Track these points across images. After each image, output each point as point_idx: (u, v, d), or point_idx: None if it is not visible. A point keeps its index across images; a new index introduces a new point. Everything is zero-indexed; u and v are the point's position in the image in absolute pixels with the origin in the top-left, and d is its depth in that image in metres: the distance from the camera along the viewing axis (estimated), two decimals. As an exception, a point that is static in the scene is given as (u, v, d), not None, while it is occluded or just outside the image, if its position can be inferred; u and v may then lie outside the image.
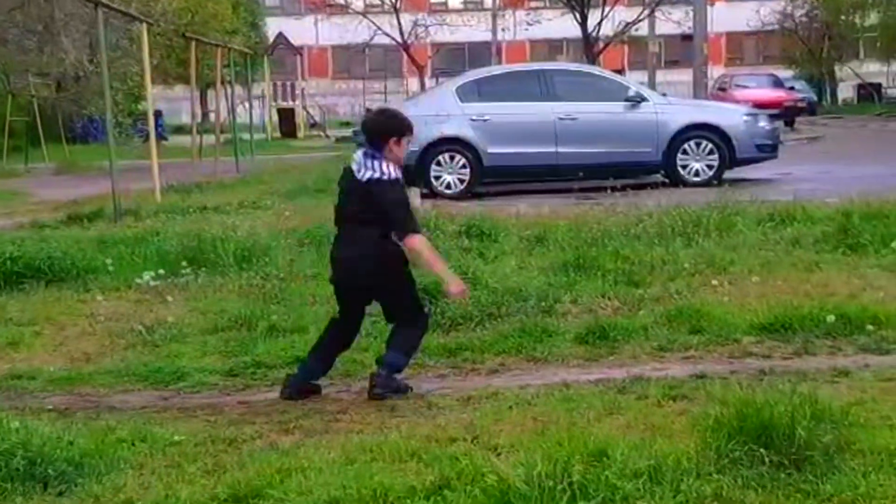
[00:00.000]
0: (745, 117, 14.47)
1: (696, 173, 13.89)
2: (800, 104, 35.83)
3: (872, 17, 46.11)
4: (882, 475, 3.48)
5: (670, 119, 14.03)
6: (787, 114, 31.76)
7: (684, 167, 13.93)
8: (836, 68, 50.50)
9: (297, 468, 3.75)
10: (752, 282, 6.84)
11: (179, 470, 3.87)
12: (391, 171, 4.81)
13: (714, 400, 4.23)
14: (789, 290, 6.54)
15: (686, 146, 13.93)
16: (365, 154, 4.89)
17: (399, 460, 3.83)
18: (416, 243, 4.83)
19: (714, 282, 6.89)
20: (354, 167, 4.90)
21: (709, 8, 26.50)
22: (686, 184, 13.54)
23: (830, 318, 5.70)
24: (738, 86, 33.57)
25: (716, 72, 39.58)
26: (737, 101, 23.66)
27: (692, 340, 5.64)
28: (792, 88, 37.53)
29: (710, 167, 13.89)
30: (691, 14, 24.37)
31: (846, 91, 52.57)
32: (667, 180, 14.00)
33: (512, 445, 3.94)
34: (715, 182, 13.48)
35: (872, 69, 49.89)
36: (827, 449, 3.60)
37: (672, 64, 46.46)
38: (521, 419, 4.35)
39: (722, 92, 31.95)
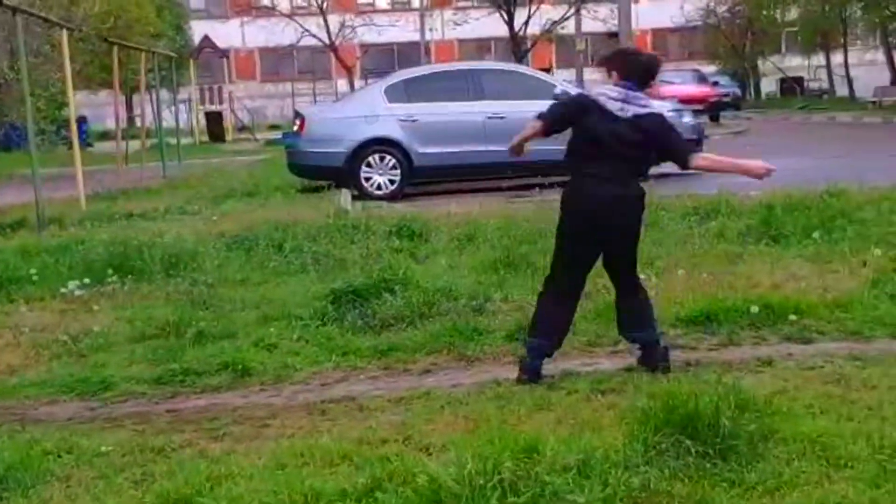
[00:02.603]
0: (669, 112, 14.57)
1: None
2: (724, 99, 36.48)
3: (793, 12, 47.10)
4: (804, 462, 3.56)
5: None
6: (712, 109, 32.27)
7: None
8: (759, 63, 51.44)
9: (226, 475, 3.72)
10: (678, 275, 6.94)
11: (107, 481, 3.82)
12: (656, 105, 4.85)
13: (641, 393, 4.31)
14: (714, 283, 6.64)
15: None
16: (619, 93, 4.81)
17: (330, 464, 3.82)
18: (703, 162, 4.94)
19: (641, 276, 6.94)
20: (612, 106, 4.80)
21: (633, 5, 26.80)
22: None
23: (754, 308, 5.81)
24: (663, 82, 33.91)
25: (642, 69, 39.89)
26: (662, 97, 23.90)
27: (616, 334, 5.69)
28: (716, 83, 38.16)
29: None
30: (616, 11, 24.61)
31: (769, 85, 53.57)
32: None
33: (443, 445, 3.95)
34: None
35: (794, 63, 50.92)
36: (751, 438, 3.68)
37: (599, 61, 46.82)
38: (452, 418, 4.37)
39: (648, 88, 32.28)
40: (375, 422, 4.38)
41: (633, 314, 5.02)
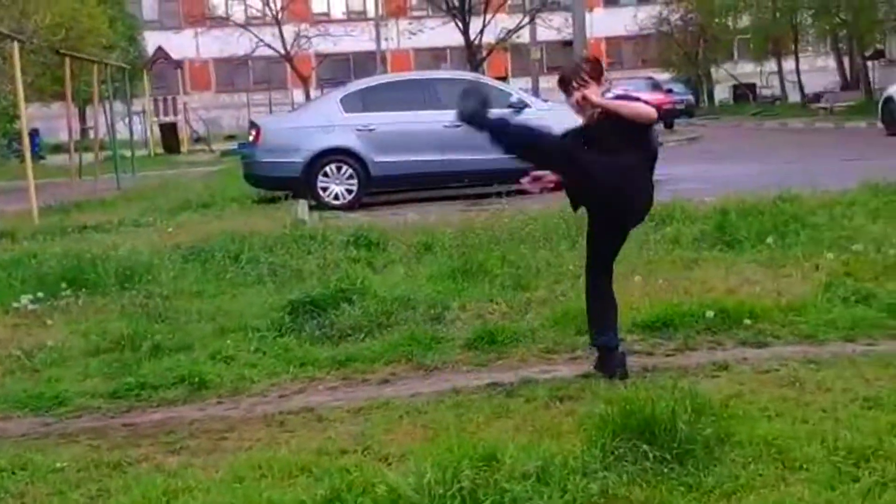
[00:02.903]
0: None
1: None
2: (678, 106, 36.81)
3: (745, 19, 47.67)
4: (760, 465, 3.59)
5: (553, 124, 13.87)
6: (666, 116, 32.53)
7: (568, 171, 14.12)
8: (712, 70, 52.03)
9: (183, 489, 3.69)
10: (634, 281, 6.97)
11: (62, 497, 3.77)
12: None
13: (599, 399, 4.32)
14: (670, 288, 6.69)
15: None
16: None
17: (289, 476, 3.80)
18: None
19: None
20: None
21: (587, 14, 26.99)
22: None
23: (710, 313, 5.86)
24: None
25: (597, 76, 40.19)
26: (618, 105, 24.07)
27: (578, 341, 5.71)
28: (670, 91, 38.52)
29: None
30: (570, 20, 24.77)
31: (722, 92, 54.19)
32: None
33: (403, 454, 3.94)
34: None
35: (747, 70, 51.52)
36: (707, 442, 3.70)
37: (555, 70, 46.92)
38: (411, 428, 4.36)
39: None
40: (334, 432, 4.36)
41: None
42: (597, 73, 5.03)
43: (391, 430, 4.33)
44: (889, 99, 23.39)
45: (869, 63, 42.37)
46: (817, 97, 40.09)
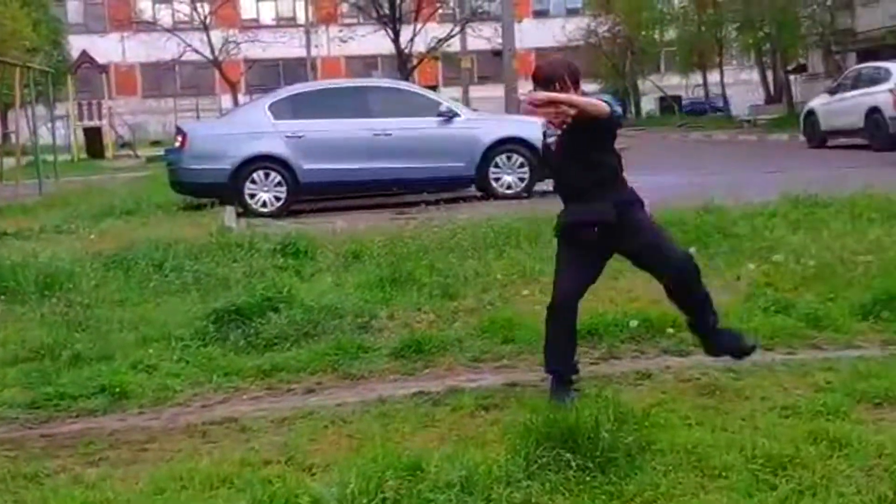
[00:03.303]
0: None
1: (509, 186, 14.20)
2: (606, 117, 37.13)
3: (671, 33, 48.47)
4: (681, 473, 3.63)
5: (482, 134, 14.30)
6: (594, 126, 32.85)
7: (497, 180, 14.22)
8: (639, 82, 52.79)
9: (102, 501, 3.62)
10: (561, 291, 7.02)
11: (-25, 511, 3.67)
12: None
13: (525, 407, 4.34)
14: (595, 298, 6.70)
15: (498, 160, 14.23)
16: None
17: (210, 487, 3.75)
18: None
19: (525, 291, 7.06)
20: None
21: (517, 24, 27.19)
22: (499, 196, 13.84)
23: (633, 322, 5.92)
24: (547, 100, 34.51)
25: (527, 87, 40.60)
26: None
27: (505, 350, 5.74)
28: (598, 102, 38.86)
29: (521, 180, 14.22)
30: (500, 30, 24.95)
31: (649, 103, 55.05)
32: (480, 193, 14.26)
33: (327, 465, 3.92)
34: (525, 195, 13.83)
35: (673, 82, 52.38)
36: (629, 450, 3.74)
37: (485, 79, 47.45)
38: (336, 437, 4.33)
39: (533, 107, 32.77)
40: (257, 443, 4.31)
41: None
42: (575, 80, 4.72)
43: (316, 440, 4.30)
44: (810, 112, 23.95)
45: (791, 77, 43.35)
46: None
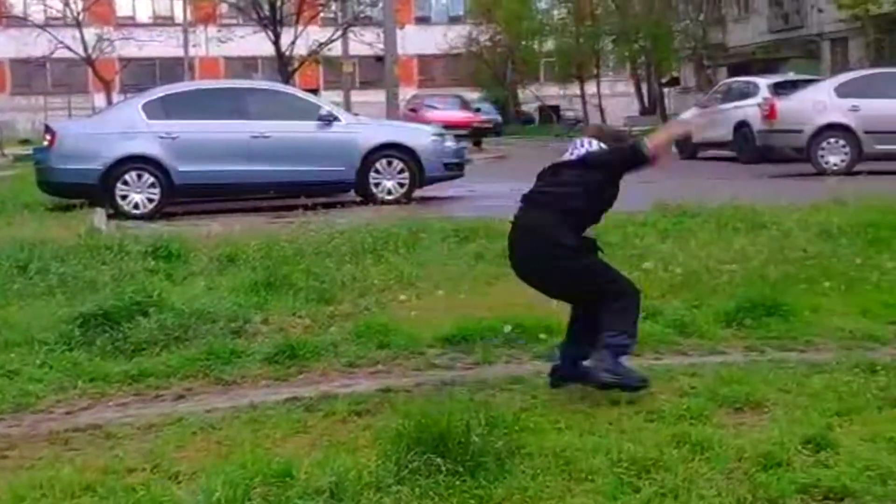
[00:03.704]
0: (433, 137, 14.95)
1: (389, 191, 14.18)
2: (486, 125, 37.62)
3: (549, 44, 49.21)
4: (549, 476, 3.68)
5: (362, 138, 14.26)
6: (474, 134, 33.26)
7: (377, 185, 14.19)
8: (519, 91, 53.42)
9: (-45, 513, 3.48)
10: (437, 296, 7.07)
11: None
12: None
13: (397, 413, 4.34)
14: (472, 303, 6.81)
15: (378, 165, 14.20)
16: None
17: (72, 496, 3.64)
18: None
19: (402, 297, 7.07)
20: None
21: (399, 31, 27.23)
22: (379, 202, 13.83)
23: (507, 328, 5.99)
24: (428, 107, 34.75)
25: (409, 93, 40.78)
26: (428, 122, 24.45)
27: (380, 355, 5.73)
28: (478, 110, 39.32)
29: (401, 185, 14.23)
30: (382, 36, 24.94)
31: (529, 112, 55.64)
32: (360, 198, 14.23)
33: (194, 472, 3.84)
34: (404, 200, 13.85)
35: (552, 92, 53.12)
36: (499, 454, 3.77)
37: (367, 84, 47.31)
38: (205, 444, 4.25)
39: (413, 113, 32.92)
40: (122, 450, 4.20)
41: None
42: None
43: (183, 446, 4.21)
44: (682, 125, 24.62)
45: (665, 90, 44.53)
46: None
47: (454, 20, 52.63)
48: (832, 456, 3.77)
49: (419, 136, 14.90)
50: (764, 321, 6.18)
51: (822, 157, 17.43)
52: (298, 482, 3.59)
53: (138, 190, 13.53)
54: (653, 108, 43.28)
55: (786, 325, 6.08)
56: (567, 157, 5.06)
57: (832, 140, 17.47)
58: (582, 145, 5.05)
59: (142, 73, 44.94)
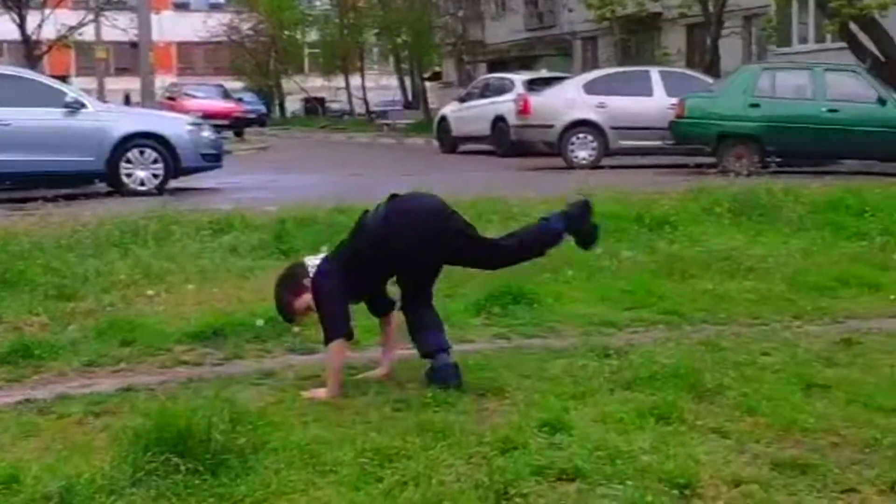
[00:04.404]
0: (188, 127, 14.52)
1: (142, 182, 13.67)
2: (249, 115, 37.05)
3: (313, 34, 49.02)
4: (293, 471, 3.64)
5: (113, 127, 13.68)
6: (236, 124, 32.67)
7: (129, 176, 13.65)
8: (284, 81, 52.92)
9: None
10: (188, 290, 6.87)
11: None
12: None
13: (138, 412, 4.18)
14: (224, 297, 6.66)
15: (130, 155, 13.65)
16: None
17: None
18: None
19: (150, 292, 6.83)
20: None
21: (156, 16, 26.36)
22: (131, 193, 13.30)
23: (259, 322, 5.88)
24: (187, 95, 33.84)
25: (168, 80, 39.59)
26: (187, 111, 23.79)
27: (123, 353, 5.51)
28: (241, 100, 38.65)
29: (155, 176, 13.74)
30: (137, 21, 24.04)
31: (294, 104, 55.30)
32: (111, 189, 13.65)
33: None
34: (156, 191, 13.39)
35: (317, 84, 52.96)
36: (242, 451, 3.70)
37: (122, 71, 45.62)
38: (-76, 453, 3.94)
39: (172, 101, 31.97)
40: None
41: None
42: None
43: None
44: (443, 119, 25.10)
45: (428, 84, 45.25)
46: (383, 114, 42.10)
47: (215, 7, 51.47)
48: (566, 438, 3.91)
49: (174, 126, 14.44)
50: (511, 309, 6.39)
51: (572, 151, 18.18)
52: (26, 488, 3.40)
53: None
54: (416, 101, 43.89)
55: (531, 313, 6.30)
56: None
57: (581, 135, 18.26)
58: None
59: None
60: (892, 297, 6.99)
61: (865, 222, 9.38)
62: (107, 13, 33.68)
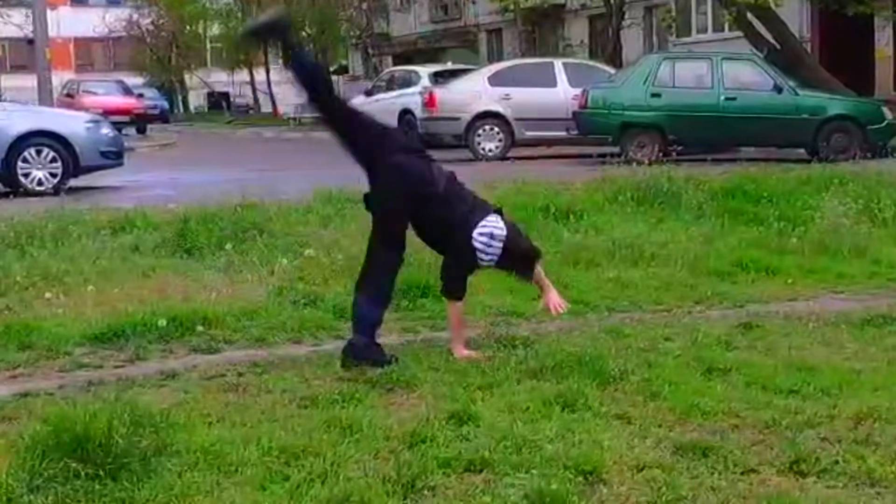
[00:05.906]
0: (87, 124, 14.17)
1: (39, 182, 13.29)
2: (151, 111, 36.30)
3: (216, 29, 48.28)
4: (197, 472, 3.58)
5: (8, 126, 13.28)
6: (138, 121, 32.01)
7: (26, 176, 13.27)
8: (186, 77, 52.04)
9: None
10: (87, 291, 6.70)
11: None
12: None
13: (35, 418, 4.07)
14: (125, 298, 6.51)
15: (27, 154, 13.27)
16: None
17: None
18: None
19: (48, 294, 6.63)
20: None
21: (51, 12, 25.68)
22: (29, 193, 12.94)
23: (162, 322, 5.78)
24: (86, 92, 33.02)
25: (66, 77, 38.62)
26: (86, 108, 23.19)
27: (21, 357, 5.36)
28: (142, 96, 37.86)
29: (53, 175, 13.38)
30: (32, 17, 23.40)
31: (198, 99, 54.44)
32: (8, 190, 13.26)
33: None
34: (52, 191, 13.03)
35: (221, 79, 52.18)
36: (144, 454, 3.63)
37: (18, 68, 44.34)
38: None
39: (70, 98, 31.16)
40: None
41: None
42: None
43: None
44: (349, 113, 24.93)
45: (335, 77, 44.93)
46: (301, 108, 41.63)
47: (113, 2, 50.28)
48: (473, 429, 3.93)
49: (71, 124, 14.07)
50: (420, 302, 6.40)
51: (479, 143, 18.25)
52: (-84, 502, 3.28)
53: None
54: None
55: (439, 306, 6.28)
56: None
57: (487, 127, 18.33)
58: None
59: None
60: (790, 281, 7.19)
61: (763, 208, 9.60)
62: (1, 9, 32.73)
